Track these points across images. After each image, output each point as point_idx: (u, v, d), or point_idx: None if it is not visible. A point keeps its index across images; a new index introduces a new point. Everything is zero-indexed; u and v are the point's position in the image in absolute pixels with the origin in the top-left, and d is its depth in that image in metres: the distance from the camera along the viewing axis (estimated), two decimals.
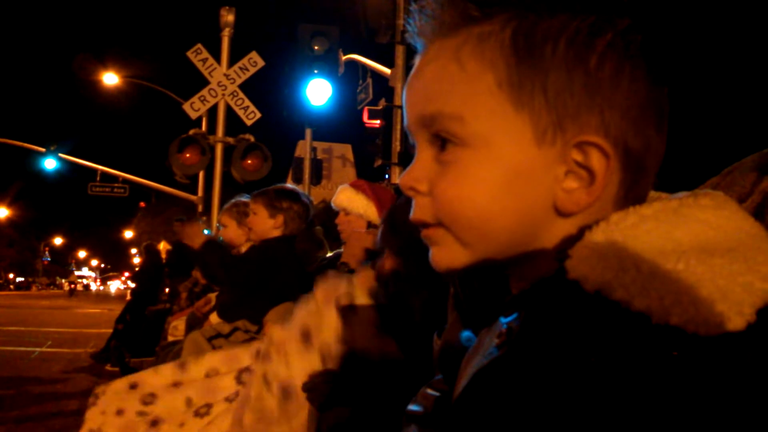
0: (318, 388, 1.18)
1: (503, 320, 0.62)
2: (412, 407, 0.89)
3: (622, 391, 0.50)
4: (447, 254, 0.69)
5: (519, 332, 0.59)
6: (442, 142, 0.67)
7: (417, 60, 0.72)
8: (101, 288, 60.06)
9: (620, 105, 0.64)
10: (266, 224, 3.36)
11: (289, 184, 3.58)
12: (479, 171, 0.65)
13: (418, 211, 0.70)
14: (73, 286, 51.93)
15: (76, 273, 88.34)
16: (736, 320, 0.52)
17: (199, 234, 3.39)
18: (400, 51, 9.10)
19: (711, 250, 0.56)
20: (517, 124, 0.64)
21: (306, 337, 1.68)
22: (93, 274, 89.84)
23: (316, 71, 8.07)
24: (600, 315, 0.55)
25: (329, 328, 1.65)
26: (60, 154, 15.06)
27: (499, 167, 0.65)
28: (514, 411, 0.54)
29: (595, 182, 0.64)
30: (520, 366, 0.56)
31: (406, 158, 8.83)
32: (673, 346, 0.52)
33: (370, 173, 9.48)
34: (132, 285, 10.99)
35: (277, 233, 3.34)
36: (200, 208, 12.00)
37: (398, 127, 8.99)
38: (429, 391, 0.89)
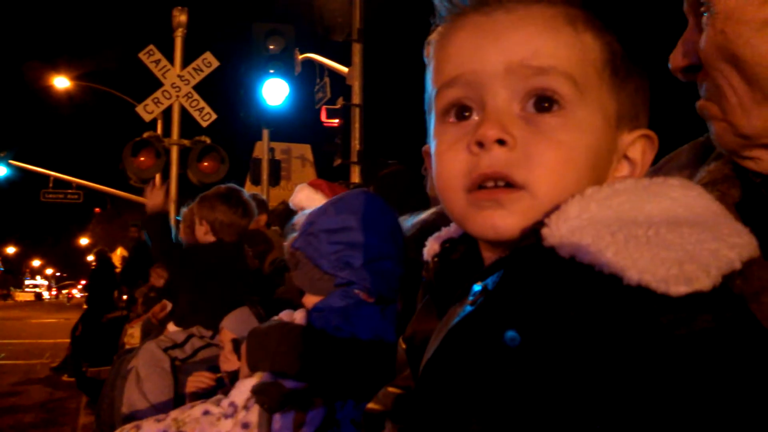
0: (267, 391, 1.16)
1: (476, 286, 0.65)
2: (370, 405, 0.87)
3: (600, 343, 0.54)
4: (510, 220, 0.67)
5: (497, 286, 0.62)
6: (538, 101, 0.67)
7: (494, 12, 0.70)
8: (60, 297, 58.43)
9: (648, 106, 0.74)
10: (200, 230, 3.34)
11: (231, 185, 3.49)
12: (579, 140, 0.67)
13: (500, 165, 0.66)
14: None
15: (28, 282, 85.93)
16: (703, 280, 0.54)
17: (153, 197, 3.40)
18: (356, 49, 9.08)
19: (680, 222, 0.60)
20: (607, 105, 0.69)
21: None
22: (47, 283, 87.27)
23: (272, 71, 7.98)
24: (575, 276, 0.58)
25: None
26: (10, 161, 14.60)
27: (591, 141, 0.68)
28: (495, 353, 0.57)
29: (635, 172, 0.72)
30: (500, 311, 0.59)
31: (366, 157, 8.81)
32: (644, 305, 0.55)
33: (331, 173, 9.43)
34: (86, 293, 10.75)
35: (210, 239, 3.30)
36: None
37: (357, 125, 8.96)
38: (390, 389, 0.87)
